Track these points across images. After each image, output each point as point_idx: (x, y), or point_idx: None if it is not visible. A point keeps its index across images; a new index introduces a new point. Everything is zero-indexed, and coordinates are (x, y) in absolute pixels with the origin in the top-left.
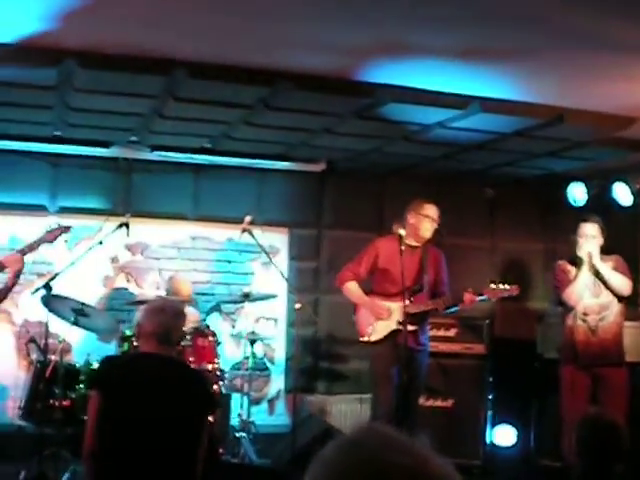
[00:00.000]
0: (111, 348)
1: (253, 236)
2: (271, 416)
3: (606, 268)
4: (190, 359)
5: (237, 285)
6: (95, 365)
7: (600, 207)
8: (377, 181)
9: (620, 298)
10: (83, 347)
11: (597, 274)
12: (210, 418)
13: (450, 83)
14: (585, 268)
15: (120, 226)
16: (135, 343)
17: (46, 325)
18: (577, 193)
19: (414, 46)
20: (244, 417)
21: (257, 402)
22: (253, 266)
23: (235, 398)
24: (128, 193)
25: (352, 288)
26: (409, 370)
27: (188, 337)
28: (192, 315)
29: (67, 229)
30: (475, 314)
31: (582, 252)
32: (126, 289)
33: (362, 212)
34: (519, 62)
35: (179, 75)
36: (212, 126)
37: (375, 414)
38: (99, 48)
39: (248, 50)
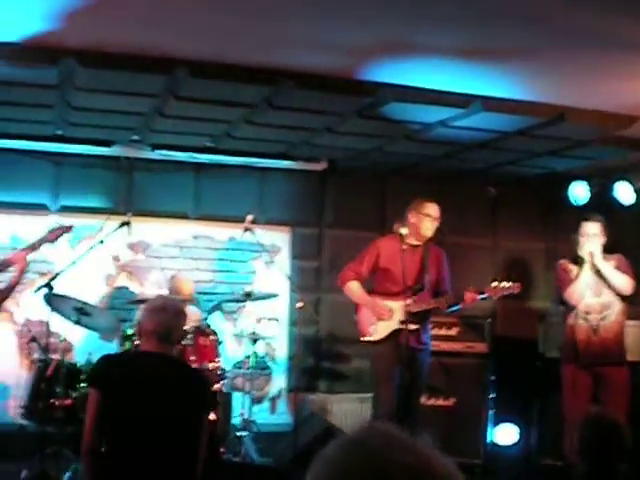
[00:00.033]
0: (113, 347)
1: (255, 235)
2: (273, 415)
3: (608, 267)
4: (191, 358)
5: (239, 284)
6: None
7: (602, 206)
8: (379, 180)
9: (622, 297)
10: (85, 346)
11: (598, 273)
12: (212, 416)
13: (452, 82)
14: (587, 267)
15: (122, 225)
16: (137, 342)
17: (47, 324)
18: (579, 192)
19: (416, 45)
20: (246, 416)
21: (259, 401)
22: (255, 265)
23: (237, 397)
24: (130, 192)
25: (354, 288)
26: (411, 369)
27: (190, 336)
28: (194, 314)
29: (69, 229)
30: (477, 313)
31: (584, 251)
32: (128, 288)
33: (364, 211)
34: (521, 61)
35: (180, 74)
36: (213, 125)
37: (376, 413)
38: (100, 47)
39: (249, 49)
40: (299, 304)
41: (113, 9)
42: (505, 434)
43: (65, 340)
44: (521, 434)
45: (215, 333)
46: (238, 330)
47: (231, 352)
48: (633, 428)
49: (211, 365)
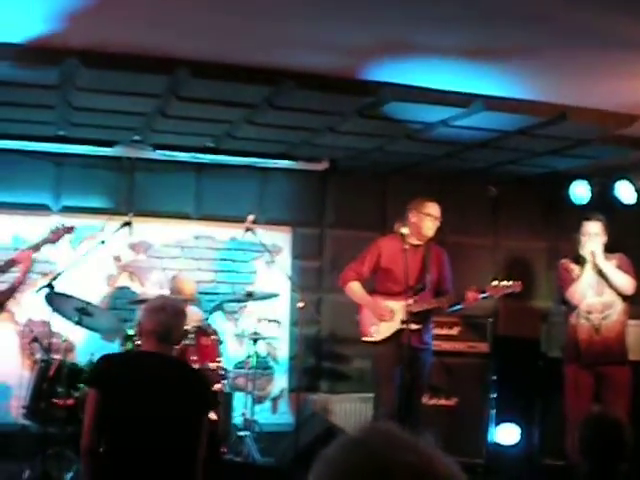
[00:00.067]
0: (114, 347)
1: (256, 235)
2: (274, 415)
3: (609, 267)
4: (193, 358)
5: (240, 284)
6: None
7: (603, 205)
8: (380, 180)
9: (624, 297)
10: (86, 346)
11: (600, 273)
12: (214, 416)
13: (453, 81)
14: (588, 267)
15: (123, 225)
16: (138, 342)
17: (49, 324)
18: (580, 191)
19: (417, 45)
20: (247, 416)
21: (260, 401)
22: (256, 265)
23: (238, 397)
24: (131, 192)
25: (355, 288)
26: (412, 369)
27: (191, 336)
28: (195, 314)
29: (71, 229)
30: (478, 312)
31: (585, 251)
32: (129, 288)
33: (365, 211)
34: (521, 60)
35: (182, 74)
36: (215, 125)
37: (377, 414)
38: (102, 47)
39: (250, 49)
40: (300, 304)
41: (114, 10)
42: (507, 434)
43: (67, 340)
44: (523, 434)
45: (216, 333)
46: (239, 330)
47: (232, 352)
48: (635, 427)
49: (212, 365)
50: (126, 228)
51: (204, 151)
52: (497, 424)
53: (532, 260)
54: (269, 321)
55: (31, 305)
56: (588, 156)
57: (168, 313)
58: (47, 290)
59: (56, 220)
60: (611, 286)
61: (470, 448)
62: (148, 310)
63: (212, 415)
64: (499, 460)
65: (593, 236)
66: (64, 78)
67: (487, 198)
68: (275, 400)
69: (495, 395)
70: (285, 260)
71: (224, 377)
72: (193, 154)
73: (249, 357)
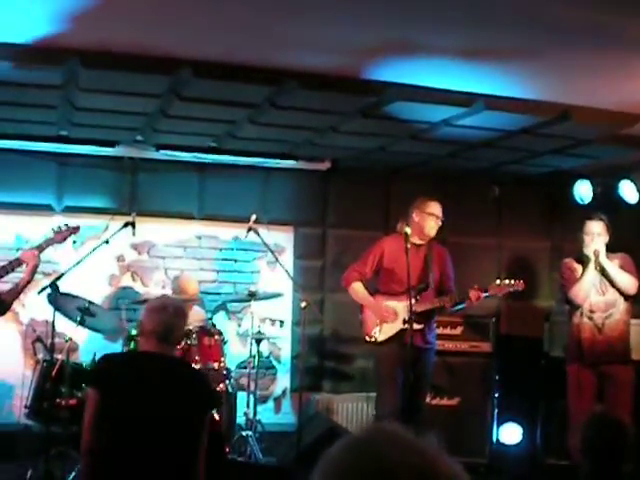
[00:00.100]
0: (117, 347)
1: (259, 235)
2: (277, 415)
3: (612, 266)
4: (196, 358)
5: (243, 284)
6: None
7: (606, 205)
8: (382, 180)
9: (626, 296)
10: (89, 346)
11: (603, 272)
12: (217, 416)
13: (455, 81)
14: (592, 266)
15: (126, 225)
16: None
17: (52, 324)
18: (584, 191)
19: (419, 45)
20: (250, 416)
21: (263, 401)
22: (259, 265)
23: (241, 397)
24: (134, 192)
25: (358, 289)
26: (416, 369)
27: (194, 336)
28: (198, 314)
29: (76, 230)
30: (481, 312)
31: (588, 250)
32: (132, 288)
33: (367, 211)
34: (525, 60)
35: (184, 74)
36: (217, 125)
37: (379, 414)
38: (104, 48)
39: (253, 49)
40: (303, 304)
41: (116, 10)
42: (510, 433)
43: (70, 340)
44: (525, 433)
45: (220, 333)
46: (242, 330)
47: (236, 352)
48: (638, 427)
49: (216, 365)
50: (129, 228)
51: (206, 151)
52: (500, 424)
53: (535, 259)
54: (272, 321)
55: (34, 305)
56: (591, 156)
57: (168, 313)
58: (50, 290)
59: (58, 220)
60: (614, 286)
61: (473, 448)
62: (149, 310)
63: (215, 415)
64: (502, 460)
65: (595, 236)
66: (67, 78)
67: (490, 198)
68: (278, 400)
69: (498, 395)
70: (288, 260)
71: (227, 377)
72: (195, 154)
73: (252, 357)
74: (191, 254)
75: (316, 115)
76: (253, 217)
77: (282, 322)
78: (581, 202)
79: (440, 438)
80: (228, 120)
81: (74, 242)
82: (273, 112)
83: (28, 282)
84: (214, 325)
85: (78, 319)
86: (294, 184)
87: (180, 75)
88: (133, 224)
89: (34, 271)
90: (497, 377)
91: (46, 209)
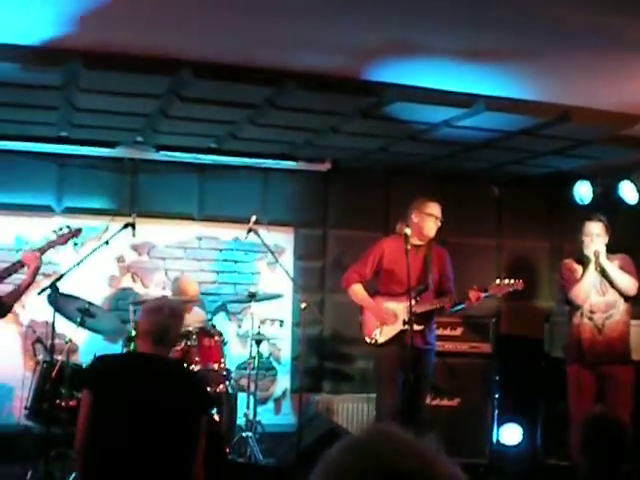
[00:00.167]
0: (117, 348)
1: (259, 236)
2: (277, 415)
3: (612, 267)
4: (196, 359)
5: (243, 285)
6: None
7: (606, 206)
8: (382, 180)
9: (626, 297)
10: (89, 347)
11: (603, 273)
12: (216, 417)
13: (455, 82)
14: (592, 267)
15: (126, 226)
16: None
17: (52, 325)
18: (584, 191)
19: (419, 45)
20: (250, 417)
21: (263, 402)
22: (259, 266)
23: (241, 398)
24: (134, 193)
25: (358, 291)
26: (416, 370)
27: (194, 337)
28: (198, 315)
29: (78, 232)
30: (481, 313)
31: (588, 251)
32: (132, 289)
33: (367, 211)
34: (524, 61)
35: (184, 75)
36: (217, 126)
37: (379, 415)
38: (104, 49)
39: (253, 50)
40: (303, 304)
41: (117, 11)
42: (510, 434)
43: (70, 341)
44: (526, 434)
45: (220, 334)
46: (242, 331)
47: (236, 353)
48: (638, 427)
49: (216, 366)
50: (129, 229)
51: (206, 152)
52: (500, 424)
53: (535, 260)
54: (272, 321)
55: (34, 306)
56: (591, 156)
57: (164, 314)
58: (50, 291)
59: (59, 221)
60: (614, 287)
61: (473, 448)
62: (145, 311)
63: (215, 416)
64: (502, 460)
65: (595, 237)
66: (67, 79)
67: (490, 198)
68: (278, 401)
69: (498, 395)
70: (288, 261)
71: (227, 378)
72: (195, 155)
73: (252, 358)
74: (191, 255)
75: (316, 116)
76: (253, 218)
77: (282, 323)
78: (581, 203)
79: (440, 439)
80: (228, 121)
81: (75, 244)
82: (273, 113)
83: (29, 284)
84: (214, 326)
85: (78, 320)
86: (294, 185)
87: (180, 76)
88: (133, 225)
89: (36, 273)
90: (497, 378)
91: (46, 210)
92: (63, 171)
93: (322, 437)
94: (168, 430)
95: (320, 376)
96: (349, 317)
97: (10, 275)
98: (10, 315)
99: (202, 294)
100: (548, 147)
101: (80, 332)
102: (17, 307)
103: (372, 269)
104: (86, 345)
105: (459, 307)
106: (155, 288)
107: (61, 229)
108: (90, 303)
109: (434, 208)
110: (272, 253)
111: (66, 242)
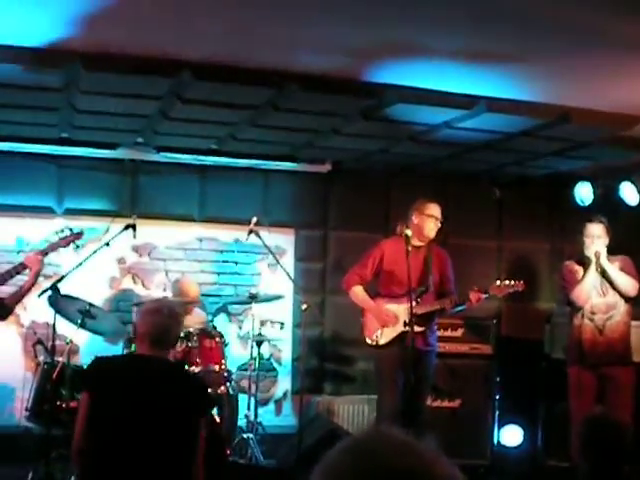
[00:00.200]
0: (118, 349)
1: (260, 237)
2: (278, 417)
3: (613, 268)
4: (197, 360)
5: (244, 286)
6: None
7: (607, 207)
8: (383, 182)
9: (626, 298)
10: (90, 348)
11: (604, 274)
12: (217, 418)
13: (456, 83)
14: (592, 268)
15: (126, 227)
16: None
17: (53, 326)
18: (584, 193)
19: (420, 47)
20: (251, 418)
21: (264, 403)
22: (260, 267)
23: (242, 399)
24: (134, 195)
25: (358, 293)
26: (417, 371)
27: (195, 338)
28: (199, 316)
29: (80, 235)
30: (482, 314)
31: (589, 252)
32: (132, 290)
33: (368, 213)
34: (525, 62)
35: (185, 77)
36: (218, 127)
37: (379, 417)
38: (105, 50)
39: (254, 51)
40: (304, 306)
41: (117, 13)
42: (511, 435)
43: (71, 342)
44: (526, 435)
45: (221, 335)
46: (243, 332)
47: (236, 354)
48: (638, 429)
49: (216, 367)
50: (129, 230)
51: (207, 153)
52: (501, 425)
53: (535, 261)
54: (272, 322)
55: (35, 307)
56: (591, 158)
57: (162, 315)
58: (51, 292)
59: (59, 222)
60: (614, 288)
61: (474, 450)
62: (143, 312)
63: (216, 417)
64: (503, 461)
65: (595, 238)
66: (68, 81)
67: (491, 200)
68: (279, 402)
69: (498, 396)
70: (288, 262)
71: (228, 379)
72: (196, 156)
73: (253, 359)
74: (192, 256)
75: (317, 117)
76: (254, 219)
77: (282, 325)
78: (582, 204)
79: (439, 440)
80: (229, 122)
81: (77, 246)
82: (274, 114)
83: (31, 286)
84: (215, 327)
85: (79, 321)
86: (295, 186)
87: (181, 77)
88: (134, 226)
89: (37, 275)
90: (498, 379)
91: (47, 211)
92: (64, 172)
93: (323, 438)
94: (166, 431)
95: (321, 377)
96: (350, 318)
97: (12, 277)
98: (11, 316)
99: (203, 295)
100: (548, 148)
101: (81, 333)
102: (18, 308)
103: (372, 270)
104: (87, 346)
105: (460, 308)
106: (156, 289)
107: (63, 231)
108: (91, 304)
109: (434, 209)
110: (273, 254)
111: (68, 244)
